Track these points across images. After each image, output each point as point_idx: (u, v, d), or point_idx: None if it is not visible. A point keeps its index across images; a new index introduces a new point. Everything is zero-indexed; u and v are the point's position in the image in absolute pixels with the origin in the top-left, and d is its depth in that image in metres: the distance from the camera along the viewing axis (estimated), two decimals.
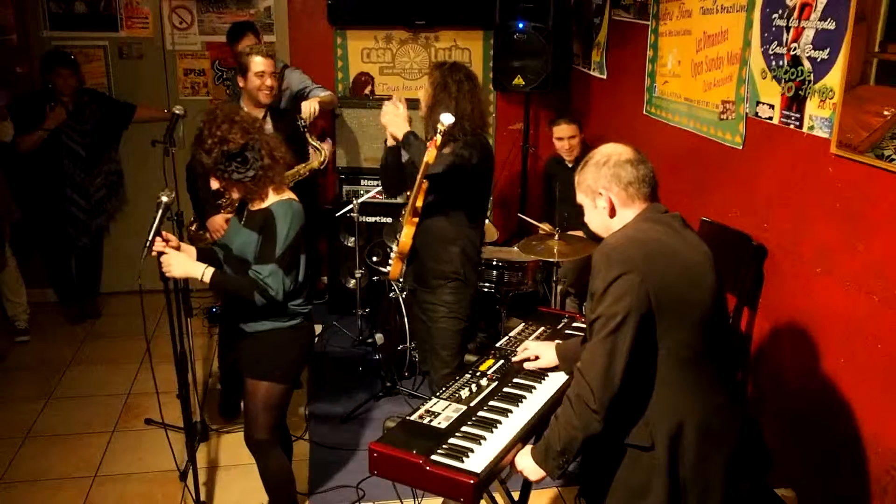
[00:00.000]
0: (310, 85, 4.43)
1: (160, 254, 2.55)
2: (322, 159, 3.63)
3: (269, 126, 3.52)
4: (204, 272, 2.50)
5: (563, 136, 4.20)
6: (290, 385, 2.73)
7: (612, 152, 1.97)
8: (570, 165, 4.21)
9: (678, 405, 1.88)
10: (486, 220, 3.64)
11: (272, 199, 2.56)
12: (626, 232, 1.93)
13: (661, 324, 1.83)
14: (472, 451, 1.95)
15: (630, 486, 1.95)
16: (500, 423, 2.09)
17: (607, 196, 1.96)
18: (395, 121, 2.93)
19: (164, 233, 2.54)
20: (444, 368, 3.05)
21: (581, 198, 2.04)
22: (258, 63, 3.48)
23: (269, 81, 3.51)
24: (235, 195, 2.57)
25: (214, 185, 2.55)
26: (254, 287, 2.47)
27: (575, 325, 2.74)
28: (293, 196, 2.62)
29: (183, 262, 2.53)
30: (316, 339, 4.59)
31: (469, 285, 3.04)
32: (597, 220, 2.03)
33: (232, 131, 2.46)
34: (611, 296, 1.82)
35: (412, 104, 4.80)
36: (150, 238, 2.51)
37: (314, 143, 3.65)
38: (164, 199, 2.57)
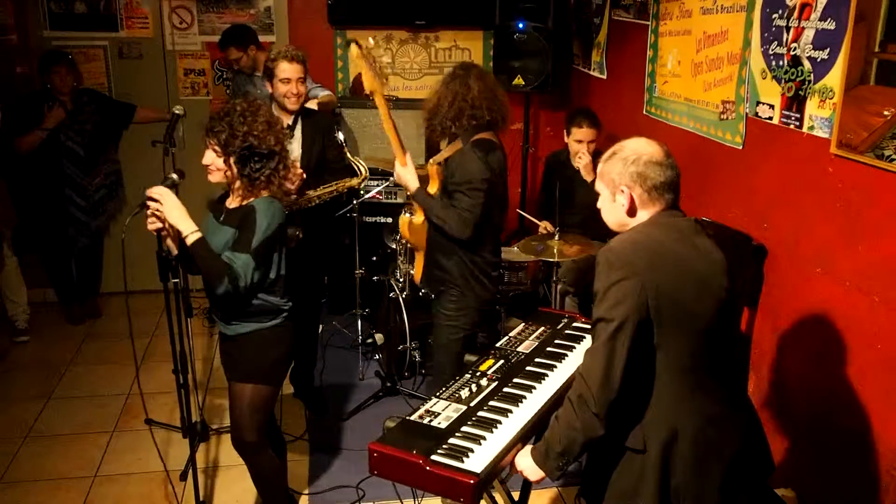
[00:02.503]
0: (309, 85, 4.42)
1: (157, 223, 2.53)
2: (361, 179, 3.52)
3: (298, 131, 3.50)
4: (192, 232, 2.44)
5: (584, 139, 3.95)
6: (275, 386, 2.71)
7: (644, 151, 1.90)
8: (576, 167, 4.06)
9: (675, 412, 1.87)
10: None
11: (254, 198, 2.55)
12: (632, 235, 1.91)
13: (660, 331, 1.82)
14: (472, 451, 1.95)
15: (622, 488, 1.94)
16: (500, 423, 2.09)
17: (629, 194, 1.91)
18: (406, 178, 3.00)
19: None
20: (440, 373, 3.05)
21: (601, 187, 1.99)
22: (283, 69, 3.33)
23: (294, 89, 3.37)
24: (223, 178, 2.54)
25: (208, 157, 2.51)
26: (225, 272, 2.41)
27: (575, 325, 2.74)
28: (275, 196, 2.61)
29: (180, 210, 2.46)
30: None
31: (470, 297, 3.00)
32: (612, 214, 1.99)
33: (268, 133, 2.49)
34: (610, 299, 1.81)
35: (410, 104, 4.84)
36: (146, 201, 2.48)
37: (355, 163, 3.55)
38: (175, 176, 2.58)
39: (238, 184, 2.54)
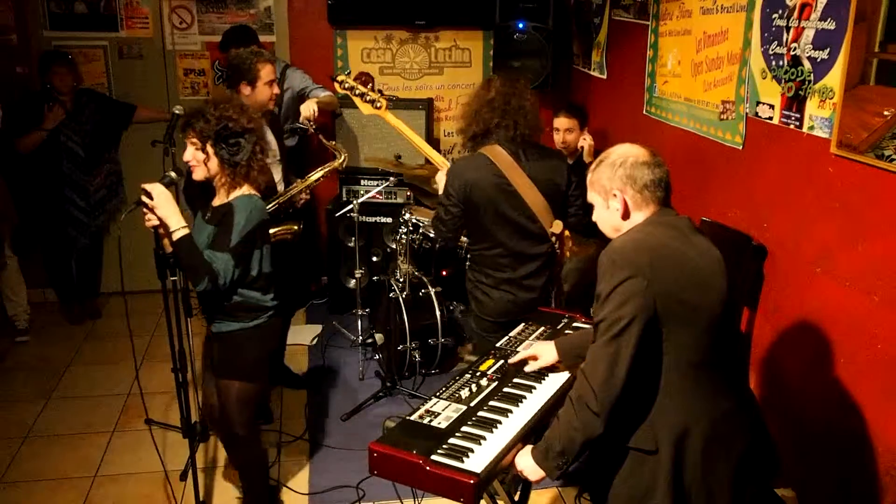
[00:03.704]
0: (310, 85, 4.43)
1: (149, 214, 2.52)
2: (342, 160, 3.63)
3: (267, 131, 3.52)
4: (180, 228, 2.46)
5: (560, 127, 3.98)
6: (261, 382, 2.79)
7: (629, 153, 1.94)
8: (569, 162, 4.10)
9: (684, 410, 1.87)
10: None
11: (236, 193, 2.57)
12: (632, 235, 1.91)
13: (667, 329, 1.82)
14: (472, 451, 1.95)
15: (633, 490, 1.94)
16: (500, 423, 2.09)
17: (622, 198, 1.93)
18: (438, 181, 3.11)
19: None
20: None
21: (593, 197, 2.01)
22: (269, 71, 3.34)
23: (276, 89, 3.43)
24: (205, 172, 2.56)
25: (188, 153, 2.53)
26: (206, 271, 2.44)
27: (575, 324, 2.74)
28: (257, 192, 2.63)
29: (170, 205, 2.47)
30: (315, 339, 4.62)
31: (472, 304, 3.03)
32: (607, 221, 2.00)
33: (241, 116, 2.54)
34: (615, 299, 1.80)
35: (411, 104, 4.85)
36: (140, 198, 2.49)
37: (333, 146, 3.72)
38: (173, 174, 2.59)
39: (221, 177, 2.57)
